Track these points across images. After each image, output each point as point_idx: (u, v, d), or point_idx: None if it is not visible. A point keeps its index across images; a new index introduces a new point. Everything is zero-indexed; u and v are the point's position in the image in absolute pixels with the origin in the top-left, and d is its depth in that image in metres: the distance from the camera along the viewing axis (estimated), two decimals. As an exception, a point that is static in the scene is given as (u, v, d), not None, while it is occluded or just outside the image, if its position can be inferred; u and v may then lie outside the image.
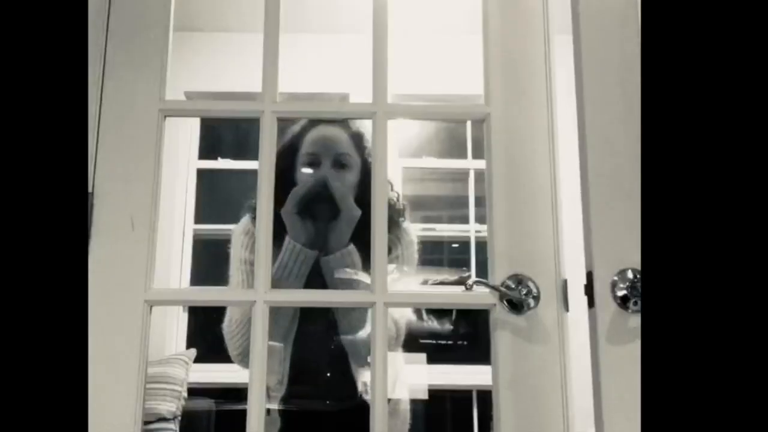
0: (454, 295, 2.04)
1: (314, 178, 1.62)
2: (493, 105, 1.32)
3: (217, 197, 3.76)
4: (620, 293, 1.15)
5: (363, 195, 1.53)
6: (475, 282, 1.29)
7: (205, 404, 3.06)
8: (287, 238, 1.57)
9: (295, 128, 1.71)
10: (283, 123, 1.35)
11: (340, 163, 1.63)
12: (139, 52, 1.32)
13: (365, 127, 1.64)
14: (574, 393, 1.23)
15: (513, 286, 1.23)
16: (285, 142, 1.69)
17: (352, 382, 1.69)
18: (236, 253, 1.65)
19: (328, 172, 1.61)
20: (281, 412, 1.66)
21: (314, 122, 1.69)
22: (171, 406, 2.89)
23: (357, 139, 1.66)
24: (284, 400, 1.65)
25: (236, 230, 1.68)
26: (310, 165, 1.64)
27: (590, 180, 1.20)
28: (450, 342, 3.54)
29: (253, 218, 1.41)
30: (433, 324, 3.48)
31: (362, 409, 1.41)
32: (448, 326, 3.54)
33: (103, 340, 1.20)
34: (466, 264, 3.60)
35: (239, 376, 1.72)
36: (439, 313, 3.46)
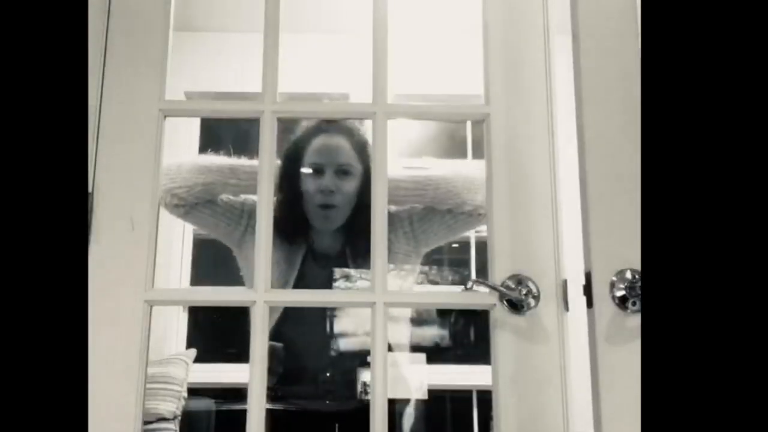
0: (454, 295, 2.05)
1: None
2: (493, 105, 1.32)
3: (217, 197, 3.74)
4: (619, 293, 1.15)
5: (363, 201, 1.58)
6: (475, 282, 1.29)
7: (205, 404, 3.06)
8: None
9: (298, 134, 1.75)
10: (284, 123, 1.35)
11: (342, 172, 1.68)
12: (139, 52, 1.32)
13: (369, 134, 1.65)
14: (573, 393, 1.23)
15: (513, 286, 1.23)
16: (288, 149, 1.73)
17: (351, 383, 1.71)
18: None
19: (330, 180, 1.66)
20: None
21: (318, 130, 1.73)
22: (171, 406, 2.89)
23: (360, 147, 1.70)
24: (273, 400, 1.66)
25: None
26: (314, 172, 1.69)
27: (589, 180, 1.20)
28: (450, 342, 3.53)
29: None
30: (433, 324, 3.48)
31: (358, 410, 1.43)
32: (447, 326, 3.54)
33: (103, 340, 1.20)
34: (466, 264, 3.59)
35: (239, 376, 1.72)
36: (439, 312, 3.46)
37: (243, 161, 1.68)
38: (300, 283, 1.70)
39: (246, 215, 1.68)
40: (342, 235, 1.73)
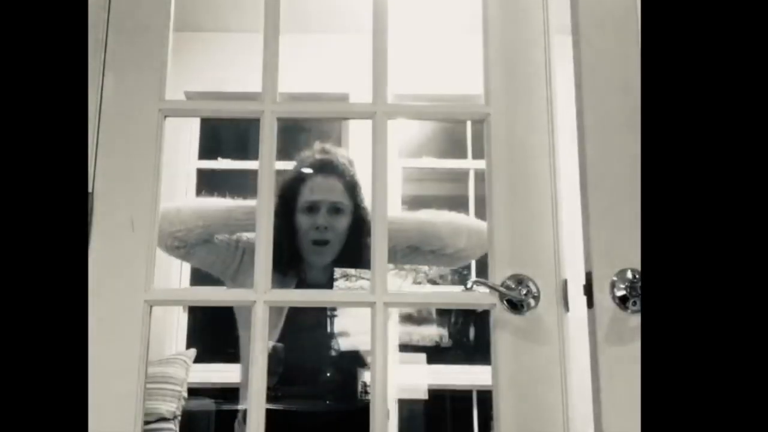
0: (454, 295, 2.05)
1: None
2: (493, 105, 1.32)
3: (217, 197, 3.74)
4: (619, 293, 1.15)
5: (353, 235, 1.78)
6: (475, 282, 1.29)
7: (205, 404, 3.06)
8: None
9: (293, 174, 1.87)
10: (283, 123, 1.36)
11: (335, 210, 1.79)
12: (139, 52, 1.32)
13: (358, 176, 1.83)
14: (573, 393, 1.23)
15: (513, 286, 1.23)
16: (284, 187, 1.83)
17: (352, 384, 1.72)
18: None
19: (324, 218, 1.78)
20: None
21: (312, 171, 1.88)
22: (171, 406, 2.89)
23: (351, 187, 1.82)
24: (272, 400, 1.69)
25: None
26: (308, 210, 1.79)
27: (590, 180, 1.20)
28: (450, 342, 3.54)
29: None
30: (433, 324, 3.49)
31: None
32: (447, 325, 3.54)
33: (103, 340, 1.20)
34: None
35: (239, 376, 1.72)
36: (439, 312, 3.46)
37: (239, 202, 1.79)
38: (292, 312, 1.77)
39: (240, 251, 1.78)
40: (331, 269, 1.82)
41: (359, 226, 1.76)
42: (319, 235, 1.78)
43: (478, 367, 3.26)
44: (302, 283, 1.79)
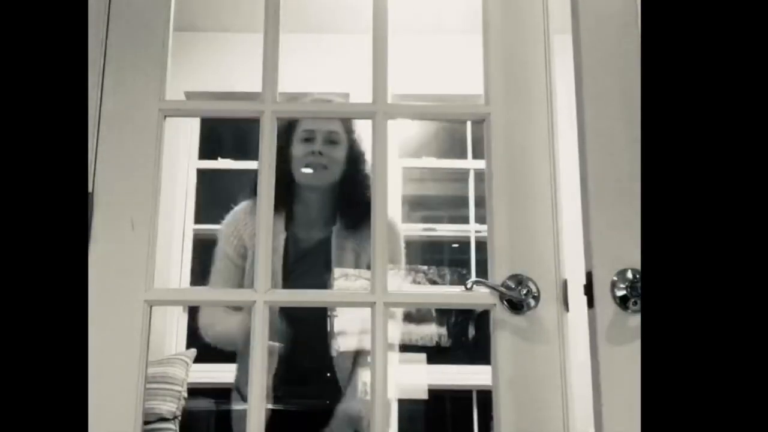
0: (454, 295, 2.05)
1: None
2: (493, 105, 1.32)
3: (217, 197, 3.75)
4: (620, 293, 1.15)
5: (349, 168, 1.81)
6: (475, 282, 1.29)
7: (205, 404, 3.06)
8: None
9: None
10: (283, 123, 1.36)
11: (330, 140, 1.80)
12: (139, 52, 1.32)
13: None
14: (574, 393, 1.23)
15: (513, 286, 1.23)
16: (281, 125, 1.79)
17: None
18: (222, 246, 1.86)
19: (321, 147, 1.79)
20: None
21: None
22: (171, 406, 2.89)
23: (346, 120, 1.86)
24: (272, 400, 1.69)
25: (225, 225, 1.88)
26: (305, 140, 1.80)
27: (590, 180, 1.20)
28: (450, 342, 3.54)
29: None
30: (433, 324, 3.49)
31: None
32: (447, 325, 3.54)
33: (103, 340, 1.20)
34: (466, 264, 3.60)
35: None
36: (439, 312, 3.46)
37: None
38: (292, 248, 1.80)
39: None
40: (329, 202, 1.84)
41: (356, 158, 1.81)
42: (314, 159, 1.79)
43: (478, 367, 3.26)
44: (292, 222, 1.82)
